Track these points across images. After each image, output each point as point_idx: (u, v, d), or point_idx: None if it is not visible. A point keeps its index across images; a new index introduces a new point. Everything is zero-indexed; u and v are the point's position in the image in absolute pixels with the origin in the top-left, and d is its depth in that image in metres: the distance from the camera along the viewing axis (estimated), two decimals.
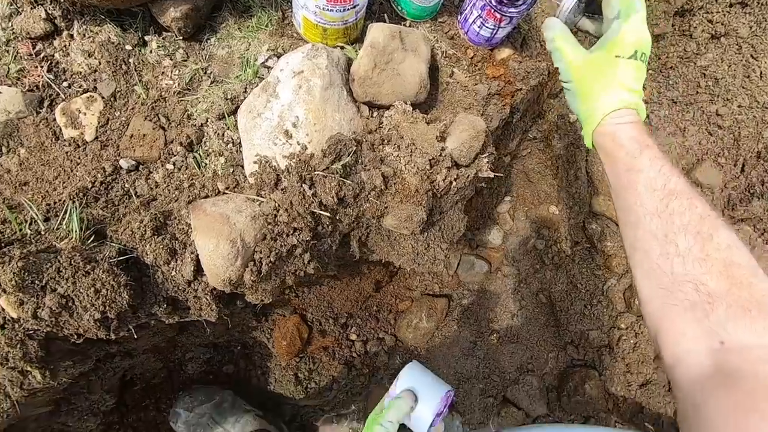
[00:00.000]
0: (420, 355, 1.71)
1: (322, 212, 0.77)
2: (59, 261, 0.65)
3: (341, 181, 0.77)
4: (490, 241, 1.71)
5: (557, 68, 0.69)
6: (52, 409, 0.94)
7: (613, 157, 0.61)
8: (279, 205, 0.75)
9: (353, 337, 1.59)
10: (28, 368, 0.69)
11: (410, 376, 0.75)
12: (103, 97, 0.90)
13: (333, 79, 0.80)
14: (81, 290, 0.65)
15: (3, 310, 0.65)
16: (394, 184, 0.82)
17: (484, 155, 0.97)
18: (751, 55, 1.44)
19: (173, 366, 1.32)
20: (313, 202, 0.75)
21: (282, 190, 0.76)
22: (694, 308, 0.49)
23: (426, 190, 0.82)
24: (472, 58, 1.03)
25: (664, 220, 0.54)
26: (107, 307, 0.66)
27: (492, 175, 0.98)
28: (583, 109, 0.65)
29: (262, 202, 0.76)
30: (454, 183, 0.90)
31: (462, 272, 1.69)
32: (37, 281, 0.64)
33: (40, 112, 0.88)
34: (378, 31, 0.84)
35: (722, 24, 1.44)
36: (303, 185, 0.75)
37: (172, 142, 0.87)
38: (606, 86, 0.61)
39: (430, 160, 0.83)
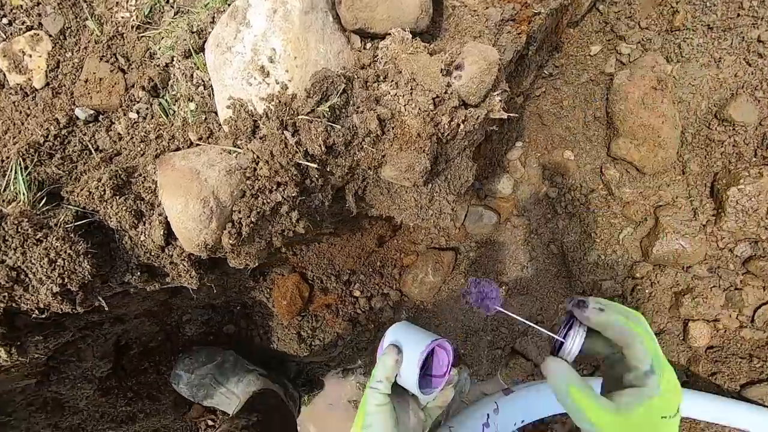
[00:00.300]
0: (426, 309, 1.66)
1: (308, 163, 0.66)
2: (4, 228, 0.56)
3: (329, 126, 0.65)
4: (500, 190, 1.60)
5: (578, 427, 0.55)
6: (39, 380, 0.89)
7: None
8: (258, 157, 0.64)
9: (357, 293, 1.54)
10: None
11: (395, 334, 0.68)
12: (50, 36, 0.77)
13: (315, 1, 0.67)
14: (33, 261, 0.56)
15: None
16: (393, 128, 0.71)
17: (497, 92, 0.84)
18: None
19: (170, 329, 1.28)
20: (297, 151, 0.64)
21: (261, 138, 0.65)
22: None
23: (429, 134, 0.71)
24: None
25: None
26: (66, 279, 0.58)
27: (505, 115, 0.86)
28: None
29: (239, 153, 0.66)
30: (462, 126, 0.78)
31: (469, 224, 1.60)
32: None
33: None
34: None
35: None
36: (284, 132, 0.64)
37: (133, 86, 0.75)
38: None
39: (433, 98, 0.71)
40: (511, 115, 0.91)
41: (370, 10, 0.70)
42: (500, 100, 0.84)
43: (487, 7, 0.87)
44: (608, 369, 0.57)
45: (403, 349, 0.67)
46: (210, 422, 1.50)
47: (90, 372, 1.02)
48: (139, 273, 0.68)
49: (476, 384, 1.69)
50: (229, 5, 0.75)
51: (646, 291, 1.56)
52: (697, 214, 1.49)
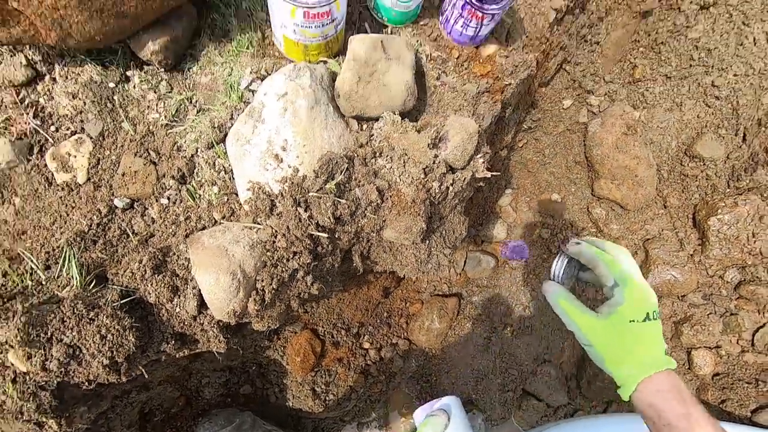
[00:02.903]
0: (435, 356, 1.70)
1: (320, 234, 0.76)
2: (62, 311, 0.65)
3: (336, 200, 0.76)
4: (495, 235, 1.70)
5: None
6: None
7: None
8: (276, 231, 0.74)
9: (366, 345, 1.59)
10: (44, 419, 0.69)
11: (448, 405, 0.77)
12: (91, 138, 0.90)
13: (318, 98, 0.79)
14: (87, 338, 0.65)
15: (12, 364, 0.65)
16: (390, 196, 0.81)
17: (479, 155, 0.96)
18: (743, 22, 1.41)
19: (191, 393, 1.32)
20: (309, 224, 0.75)
21: (278, 215, 0.76)
22: None
23: (422, 199, 0.81)
24: (458, 58, 1.02)
25: None
26: (115, 352, 0.66)
27: (489, 174, 0.97)
28: (613, 371, 0.64)
29: (259, 229, 0.76)
30: (450, 188, 0.89)
31: (469, 269, 1.68)
32: (42, 333, 0.63)
33: (31, 159, 0.87)
34: (359, 44, 0.83)
35: None
36: (298, 208, 0.74)
37: (164, 176, 0.87)
38: (630, 352, 0.61)
39: (424, 168, 0.82)
40: (495, 173, 1.02)
41: (364, 100, 0.83)
42: (483, 162, 0.96)
43: (464, 84, 1.01)
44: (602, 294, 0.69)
45: (450, 418, 0.77)
46: None
47: None
48: (173, 341, 0.76)
49: (491, 430, 1.69)
50: (244, 103, 0.89)
51: None
52: (684, 244, 1.58)
